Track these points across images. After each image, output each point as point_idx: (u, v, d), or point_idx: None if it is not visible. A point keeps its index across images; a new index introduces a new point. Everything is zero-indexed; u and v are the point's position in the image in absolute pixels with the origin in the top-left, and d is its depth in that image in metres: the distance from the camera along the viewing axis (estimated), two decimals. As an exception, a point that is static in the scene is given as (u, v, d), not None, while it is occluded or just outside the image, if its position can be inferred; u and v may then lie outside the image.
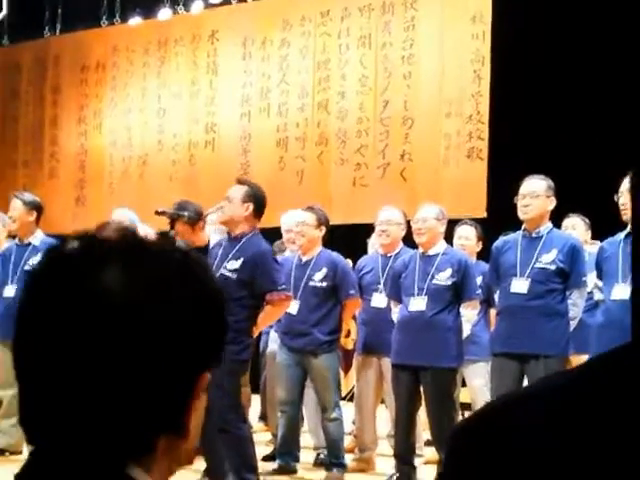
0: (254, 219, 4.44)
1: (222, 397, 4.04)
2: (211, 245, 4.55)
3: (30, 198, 5.64)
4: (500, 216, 5.73)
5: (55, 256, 0.76)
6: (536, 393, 0.59)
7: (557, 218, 5.06)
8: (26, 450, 5.41)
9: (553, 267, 4.53)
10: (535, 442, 0.54)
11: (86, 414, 0.71)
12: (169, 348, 0.73)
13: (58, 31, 9.63)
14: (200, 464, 4.76)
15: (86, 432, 0.71)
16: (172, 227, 4.60)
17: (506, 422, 0.56)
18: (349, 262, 5.73)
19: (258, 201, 4.45)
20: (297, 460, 5.27)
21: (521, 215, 4.63)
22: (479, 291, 5.01)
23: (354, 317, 5.79)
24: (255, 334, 4.57)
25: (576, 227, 5.77)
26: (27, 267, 5.46)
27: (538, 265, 4.54)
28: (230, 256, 4.32)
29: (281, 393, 5.17)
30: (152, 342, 0.72)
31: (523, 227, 4.68)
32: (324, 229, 5.26)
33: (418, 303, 4.84)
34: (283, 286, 4.44)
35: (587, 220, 5.89)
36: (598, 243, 5.51)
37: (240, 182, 4.52)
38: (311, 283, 5.15)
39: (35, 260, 5.46)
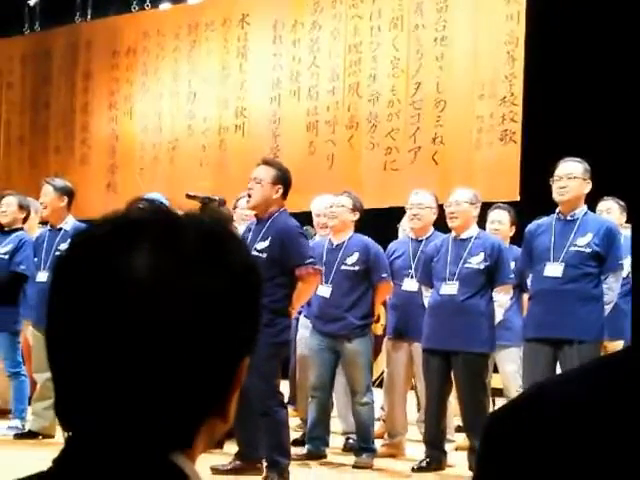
0: (282, 200, 4.44)
1: (261, 382, 4.04)
2: (240, 231, 4.54)
3: (61, 184, 5.67)
4: (534, 200, 5.64)
5: (83, 239, 0.73)
6: (571, 380, 0.59)
7: (591, 202, 4.96)
8: (59, 434, 5.46)
9: (588, 250, 4.45)
10: (570, 429, 0.54)
11: (126, 401, 0.69)
12: (204, 331, 0.69)
13: (89, 17, 9.67)
14: (231, 447, 4.77)
15: (127, 420, 0.69)
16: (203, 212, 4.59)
17: (541, 409, 0.56)
18: (379, 246, 5.68)
19: (287, 182, 4.45)
20: (327, 445, 5.26)
21: (557, 197, 4.55)
22: (512, 276, 4.94)
23: (384, 303, 5.75)
24: (292, 315, 4.57)
25: (611, 211, 5.66)
26: (58, 252, 5.50)
27: (573, 248, 4.47)
28: (259, 237, 4.32)
29: (313, 378, 5.15)
30: (186, 326, 0.69)
31: (557, 210, 4.60)
32: (358, 215, 5.24)
33: (450, 287, 4.79)
34: (312, 259, 4.42)
35: (622, 203, 5.77)
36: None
37: (267, 163, 4.49)
38: (343, 267, 5.12)
39: (66, 245, 5.49)
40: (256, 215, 4.49)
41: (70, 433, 0.72)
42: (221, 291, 0.71)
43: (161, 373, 0.68)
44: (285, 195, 4.46)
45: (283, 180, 4.42)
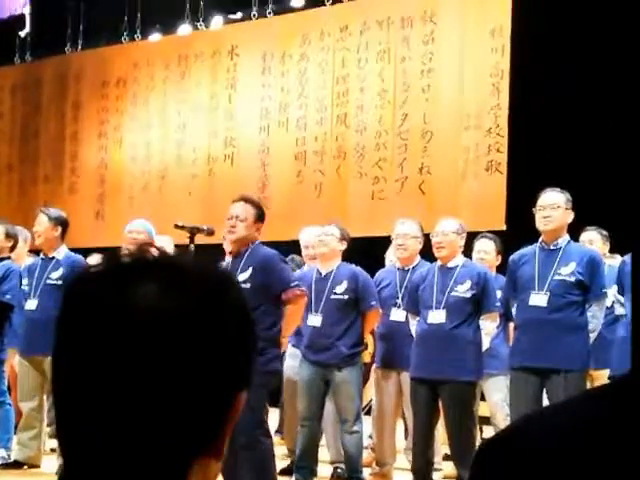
0: (258, 235, 4.52)
1: (247, 412, 4.01)
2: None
3: (56, 214, 5.68)
4: (520, 229, 5.69)
5: (92, 273, 0.76)
6: (558, 412, 0.59)
7: (574, 232, 5.02)
8: (45, 463, 5.43)
9: (572, 279, 4.48)
10: (560, 458, 0.54)
11: (123, 433, 0.70)
12: (207, 367, 0.72)
13: (80, 47, 9.73)
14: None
15: (121, 451, 0.70)
16: (191, 241, 4.62)
17: (533, 438, 0.56)
18: (367, 274, 5.71)
19: (264, 219, 4.53)
20: (315, 474, 5.24)
21: (541, 227, 4.59)
22: (498, 304, 4.97)
23: (372, 331, 5.76)
24: (284, 344, 4.57)
25: (593, 242, 5.69)
26: (49, 281, 5.51)
27: (557, 277, 4.50)
28: (239, 269, 4.34)
29: (303, 408, 5.14)
30: (190, 360, 0.71)
31: (540, 239, 4.64)
32: (345, 245, 5.30)
33: (437, 316, 4.81)
34: (296, 282, 4.47)
35: (605, 232, 5.82)
36: (618, 257, 5.45)
37: (247, 201, 4.53)
38: (333, 296, 5.15)
39: (57, 274, 5.50)
40: (231, 252, 4.53)
41: (67, 463, 0.74)
42: (223, 328, 0.73)
43: (159, 406, 0.70)
44: (260, 232, 4.56)
45: (262, 219, 4.53)
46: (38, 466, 5.45)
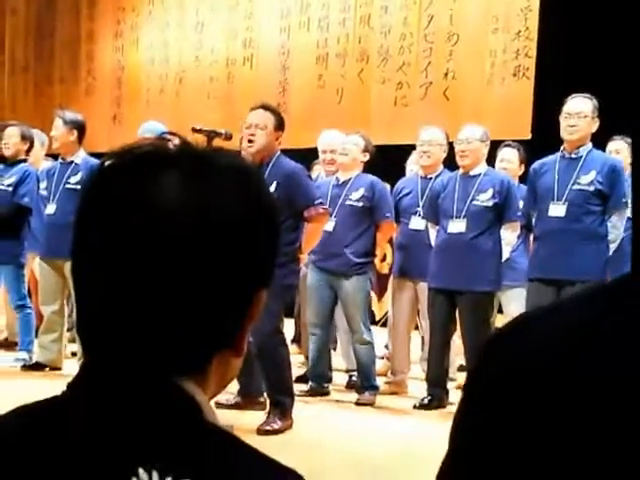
0: (278, 145, 4.40)
1: (265, 321, 4.04)
2: None
3: (72, 117, 5.57)
4: (546, 138, 5.53)
5: (111, 167, 0.73)
6: (568, 303, 0.58)
7: (602, 141, 4.86)
8: (66, 365, 5.52)
9: (592, 189, 4.40)
10: (562, 352, 0.53)
11: (142, 326, 0.70)
12: (228, 260, 0.71)
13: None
14: (234, 383, 4.81)
15: (142, 344, 0.70)
16: (209, 145, 4.53)
17: (537, 330, 0.56)
18: (387, 185, 5.61)
19: (283, 127, 4.41)
20: (329, 381, 5.29)
21: (566, 135, 4.47)
22: (520, 213, 4.88)
23: (390, 241, 5.70)
24: (302, 259, 4.55)
25: (620, 152, 5.54)
26: (68, 185, 5.46)
27: (576, 187, 4.42)
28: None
29: (311, 316, 5.16)
30: (210, 254, 0.70)
31: (562, 147, 4.53)
32: (368, 156, 5.18)
33: (457, 225, 4.75)
34: (319, 199, 4.41)
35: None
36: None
37: (266, 108, 4.40)
38: (347, 202, 5.08)
39: (76, 178, 5.45)
40: (252, 161, 4.42)
41: (87, 356, 0.73)
42: (249, 221, 0.72)
43: (181, 298, 0.69)
44: (280, 140, 4.45)
45: (283, 127, 4.41)
46: (60, 368, 5.55)
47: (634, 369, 0.50)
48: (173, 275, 0.69)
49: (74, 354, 5.59)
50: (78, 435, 0.69)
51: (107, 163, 0.73)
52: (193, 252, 0.69)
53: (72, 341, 5.74)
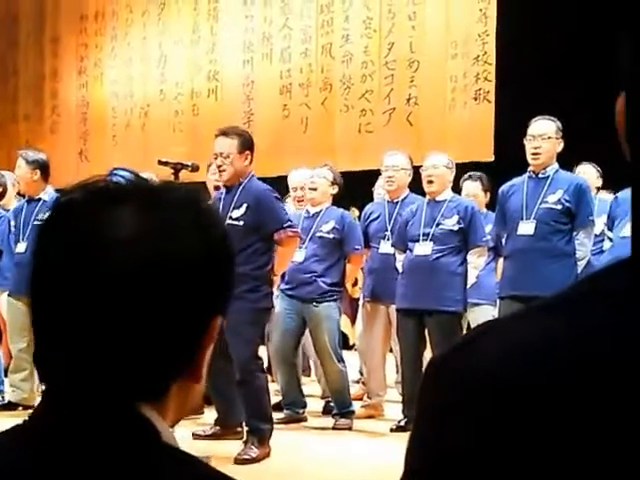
0: (250, 165, 4.40)
1: (243, 347, 4.05)
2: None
3: (33, 157, 5.58)
4: (508, 160, 5.63)
5: (66, 202, 0.75)
6: (514, 318, 0.55)
7: (567, 164, 4.97)
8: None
9: (559, 207, 4.49)
10: (496, 375, 0.50)
11: (99, 356, 0.71)
12: (181, 290, 0.72)
13: (55, -20, 9.45)
14: (211, 414, 4.80)
15: (98, 372, 0.72)
16: (176, 177, 4.55)
17: (474, 349, 0.53)
18: (355, 211, 5.68)
19: (252, 146, 4.41)
20: (304, 407, 5.29)
21: (531, 160, 4.57)
22: (486, 238, 4.96)
23: (361, 267, 5.75)
24: (275, 281, 4.56)
25: (587, 174, 5.70)
26: (37, 222, 5.46)
27: (544, 205, 4.51)
28: (232, 205, 4.28)
29: (278, 342, 5.16)
30: (164, 284, 0.71)
31: (529, 169, 4.63)
32: (336, 188, 5.24)
33: (423, 248, 4.83)
34: (289, 223, 4.41)
35: (599, 168, 5.83)
36: (611, 195, 5.43)
37: (226, 134, 4.38)
38: (318, 234, 5.13)
39: (44, 215, 5.43)
40: (225, 185, 4.45)
41: (46, 387, 0.75)
42: (200, 252, 0.74)
43: (135, 328, 0.71)
44: (252, 159, 4.41)
45: (248, 146, 4.38)
46: (32, 406, 5.45)
47: (620, 374, 0.48)
48: (127, 307, 0.71)
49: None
50: (37, 461, 0.70)
51: (62, 199, 0.75)
52: (145, 284, 0.71)
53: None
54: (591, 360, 0.49)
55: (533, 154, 4.52)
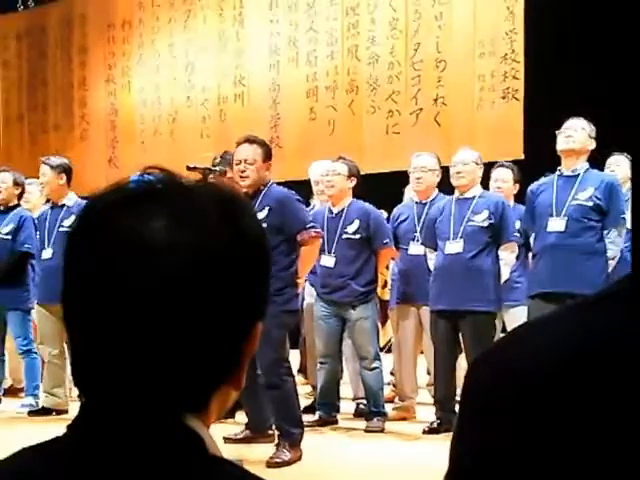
0: (269, 174, 4.45)
1: (270, 351, 4.04)
2: None
3: (57, 162, 5.65)
4: (538, 158, 5.58)
5: (97, 206, 0.72)
6: (555, 318, 0.56)
7: (597, 160, 4.91)
8: (73, 409, 5.50)
9: (590, 204, 4.43)
10: (542, 369, 0.51)
11: (142, 368, 0.69)
12: (222, 298, 0.70)
13: (82, -10, 9.55)
14: (242, 417, 4.79)
15: (142, 385, 0.70)
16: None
17: (520, 347, 0.54)
18: (384, 212, 5.64)
19: (271, 155, 4.46)
20: (337, 410, 5.28)
21: (563, 145, 4.52)
22: (517, 234, 4.91)
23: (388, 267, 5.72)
24: (300, 284, 4.56)
25: (620, 164, 5.61)
26: (62, 229, 5.50)
27: (575, 202, 4.45)
28: (255, 210, 4.29)
29: (320, 346, 5.16)
30: (204, 291, 0.69)
31: (559, 167, 4.58)
32: (355, 180, 5.20)
33: (455, 246, 4.78)
34: (312, 223, 4.45)
35: (630, 157, 5.73)
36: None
37: (251, 142, 4.43)
38: (345, 235, 5.10)
39: (69, 221, 5.49)
40: (246, 193, 4.47)
41: (85, 399, 0.73)
42: (237, 256, 0.71)
43: (178, 338, 0.69)
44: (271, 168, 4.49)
45: (270, 155, 4.46)
46: (66, 412, 5.53)
47: None
48: (168, 315, 0.68)
49: (80, 396, 5.57)
50: (83, 476, 0.68)
51: (93, 203, 0.73)
52: (186, 291, 0.69)
53: (76, 384, 5.72)
54: (628, 361, 0.50)
55: (566, 137, 4.47)
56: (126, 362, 0.69)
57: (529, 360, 0.53)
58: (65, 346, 5.65)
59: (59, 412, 5.56)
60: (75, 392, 5.86)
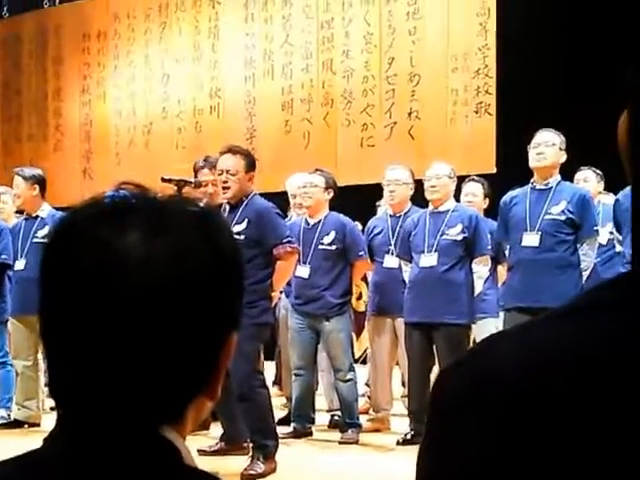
0: (252, 184, 4.45)
1: (243, 363, 4.04)
2: None
3: (30, 173, 5.62)
4: (510, 171, 5.65)
5: (73, 221, 0.73)
6: (528, 328, 0.56)
7: (569, 172, 4.99)
8: (45, 422, 5.46)
9: (563, 217, 4.49)
10: (509, 379, 0.51)
11: (118, 380, 0.70)
12: (198, 307, 0.71)
13: (57, 1, 9.53)
14: (216, 429, 4.79)
15: (118, 397, 0.70)
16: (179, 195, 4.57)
17: (485, 355, 0.54)
18: (359, 225, 5.68)
19: (255, 166, 4.45)
20: (312, 422, 5.30)
21: (534, 163, 4.56)
22: (490, 247, 4.97)
23: (365, 279, 5.76)
24: (274, 297, 4.57)
25: (588, 179, 5.73)
26: (36, 240, 5.47)
27: (548, 217, 4.50)
28: (234, 221, 4.30)
29: (295, 358, 5.18)
30: (180, 303, 0.70)
31: (532, 180, 4.64)
32: (332, 192, 5.24)
33: (429, 259, 4.83)
34: (289, 239, 4.45)
35: (599, 172, 5.83)
36: (612, 195, 5.44)
37: (234, 152, 4.43)
38: (320, 246, 5.13)
39: (43, 232, 5.46)
40: (228, 203, 4.48)
41: (62, 411, 0.73)
42: (213, 270, 0.72)
43: (155, 349, 0.70)
44: (254, 179, 4.49)
45: (253, 166, 4.45)
46: (38, 424, 5.49)
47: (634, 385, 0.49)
48: (145, 329, 0.69)
49: (53, 408, 5.53)
50: None
51: (69, 217, 0.74)
52: (163, 303, 0.69)
53: (50, 396, 5.68)
54: (592, 368, 0.50)
55: (538, 155, 4.53)
56: (103, 374, 0.70)
57: (501, 370, 0.52)
58: (39, 358, 5.61)
59: (31, 425, 5.51)
60: (48, 404, 5.82)
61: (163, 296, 0.70)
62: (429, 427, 0.55)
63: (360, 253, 5.18)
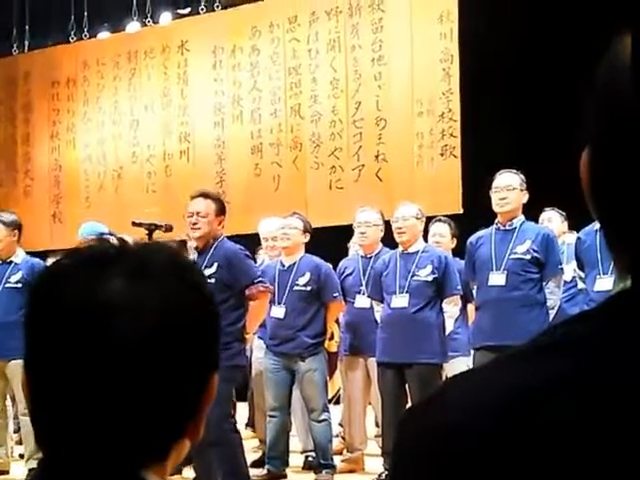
0: (222, 229, 4.52)
1: (215, 406, 4.02)
2: None
3: (10, 218, 5.62)
4: (476, 212, 5.77)
5: (55, 270, 0.76)
6: (484, 371, 0.56)
7: (532, 212, 5.12)
8: (14, 469, 5.38)
9: (528, 257, 4.59)
10: (452, 428, 0.52)
11: (104, 425, 0.71)
12: (182, 352, 0.73)
13: (27, 47, 9.58)
14: (189, 473, 4.76)
15: (104, 441, 0.71)
16: (150, 238, 4.61)
17: (440, 402, 0.54)
18: (330, 266, 5.75)
19: (225, 211, 4.53)
20: (287, 464, 5.28)
21: (498, 208, 4.68)
22: (459, 287, 5.05)
23: (337, 320, 5.81)
24: (248, 339, 4.59)
25: (552, 220, 5.85)
26: (8, 285, 5.45)
27: (513, 256, 4.60)
28: (204, 265, 4.34)
29: (270, 399, 5.18)
30: (163, 350, 0.72)
31: (496, 221, 4.75)
32: (308, 236, 5.33)
33: (400, 300, 4.89)
34: (260, 278, 4.50)
35: (562, 212, 5.98)
36: (575, 234, 5.58)
37: (206, 196, 4.52)
38: (296, 287, 5.19)
39: (16, 277, 5.45)
40: (196, 247, 4.53)
41: (45, 454, 0.75)
42: (195, 313, 0.75)
43: (141, 395, 0.71)
44: (224, 223, 4.56)
45: (223, 211, 4.53)
46: (7, 472, 5.40)
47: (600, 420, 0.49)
48: (131, 375, 0.71)
49: (21, 456, 5.46)
50: None
51: (52, 266, 0.76)
52: (150, 350, 0.71)
53: (19, 443, 5.60)
54: (555, 411, 0.50)
55: (500, 200, 4.65)
56: (89, 419, 0.71)
57: (445, 420, 0.52)
58: (7, 404, 5.54)
59: (1, 472, 5.42)
60: (17, 452, 5.72)
61: (151, 342, 0.71)
62: (391, 473, 0.57)
63: (334, 295, 5.25)
